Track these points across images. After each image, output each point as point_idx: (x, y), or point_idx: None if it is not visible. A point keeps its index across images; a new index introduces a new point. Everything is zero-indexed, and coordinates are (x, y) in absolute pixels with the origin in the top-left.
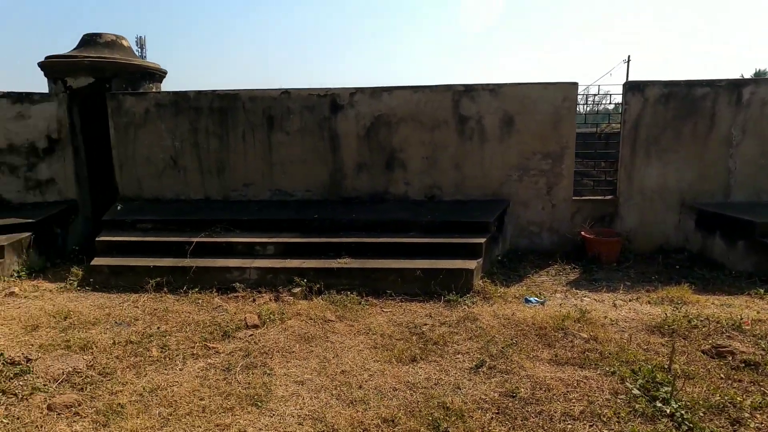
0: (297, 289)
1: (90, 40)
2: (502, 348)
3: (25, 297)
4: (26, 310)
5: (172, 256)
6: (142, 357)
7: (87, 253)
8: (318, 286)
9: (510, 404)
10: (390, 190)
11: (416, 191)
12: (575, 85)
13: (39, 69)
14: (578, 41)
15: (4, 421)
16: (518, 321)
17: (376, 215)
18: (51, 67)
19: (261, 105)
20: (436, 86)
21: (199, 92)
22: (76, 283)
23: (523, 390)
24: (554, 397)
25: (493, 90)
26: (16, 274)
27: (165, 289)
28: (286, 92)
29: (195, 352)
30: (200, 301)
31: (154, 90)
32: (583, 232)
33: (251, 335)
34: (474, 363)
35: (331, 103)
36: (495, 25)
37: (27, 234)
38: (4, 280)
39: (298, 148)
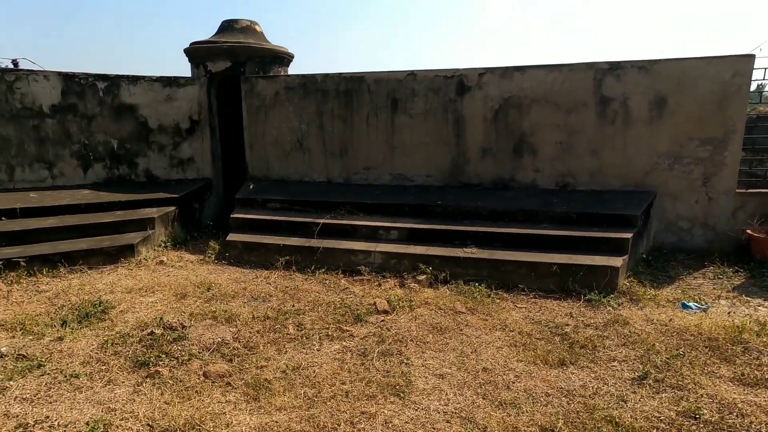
0: (422, 277)
1: (227, 26)
2: (667, 359)
3: (172, 266)
4: (174, 278)
5: (300, 235)
6: (280, 333)
7: (220, 228)
8: (443, 275)
9: (694, 428)
10: (516, 177)
11: (546, 179)
12: (750, 57)
13: (184, 55)
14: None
15: (169, 381)
16: (679, 329)
17: (503, 203)
18: (194, 52)
19: (386, 87)
20: (576, 64)
21: (326, 75)
22: (213, 257)
23: (707, 412)
24: (753, 426)
25: (643, 67)
26: (163, 245)
27: (293, 267)
28: (411, 74)
29: (330, 333)
30: (327, 281)
31: (282, 73)
32: (749, 231)
33: (382, 321)
34: (636, 374)
35: (457, 84)
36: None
37: (172, 208)
38: (154, 249)
39: (421, 132)
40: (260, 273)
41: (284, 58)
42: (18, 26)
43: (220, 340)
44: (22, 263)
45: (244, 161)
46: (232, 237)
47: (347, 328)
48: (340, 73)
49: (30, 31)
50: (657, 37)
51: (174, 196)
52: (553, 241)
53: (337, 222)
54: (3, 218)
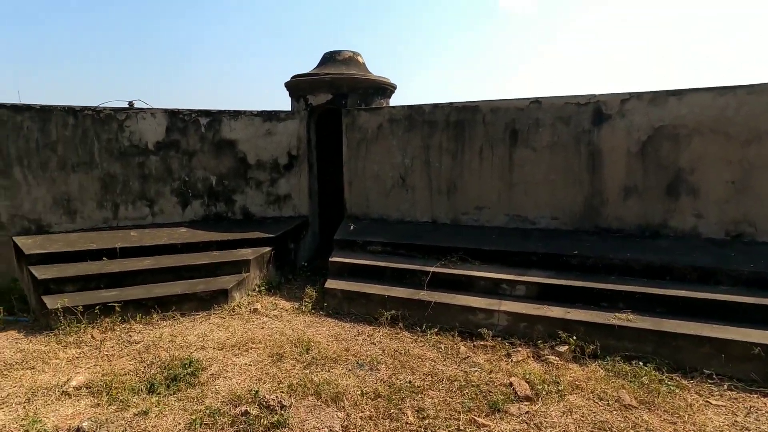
0: (563, 348)
1: (329, 58)
2: None
3: (266, 315)
4: (269, 332)
5: (406, 285)
6: (397, 422)
7: (315, 271)
8: (592, 347)
9: None
10: (669, 223)
11: (712, 226)
12: None
13: (284, 89)
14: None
15: None
16: None
17: (660, 256)
18: (296, 85)
19: (504, 117)
20: (759, 86)
21: (435, 105)
22: (310, 306)
23: None
24: None
25: None
26: (257, 288)
27: (400, 323)
28: (536, 102)
29: (461, 427)
30: (442, 345)
31: (384, 105)
32: None
33: (527, 413)
34: None
35: (593, 112)
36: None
37: (268, 249)
38: (248, 294)
39: (545, 167)
40: (363, 329)
41: (386, 89)
42: (139, 69)
43: (327, 430)
44: (117, 308)
45: (341, 198)
46: (330, 284)
47: (483, 421)
48: (451, 103)
49: (147, 73)
50: (656, 36)
51: (270, 236)
52: (744, 312)
53: (449, 271)
54: (104, 258)
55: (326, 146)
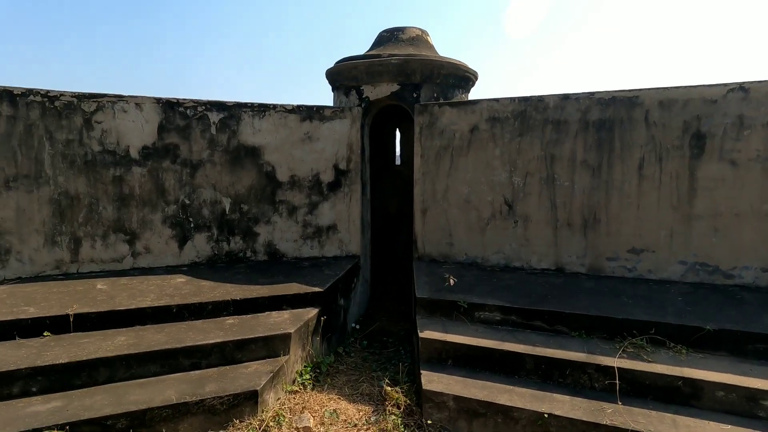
0: None
1: (389, 37)
2: None
3: None
4: None
5: (568, 389)
6: None
7: (372, 337)
8: None
9: None
10: None
11: None
12: None
13: (325, 80)
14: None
15: None
16: None
17: None
18: (345, 72)
19: (682, 114)
20: None
21: (566, 97)
22: (399, 420)
23: None
24: None
25: None
26: (299, 379)
27: None
28: (739, 89)
29: None
30: None
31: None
32: None
33: None
34: None
35: None
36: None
37: (313, 311)
38: (288, 391)
39: (753, 191)
40: None
41: (469, 79)
42: (155, 64)
43: None
44: None
45: (394, 231)
46: (431, 383)
47: None
48: (592, 93)
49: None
50: (657, 39)
51: (314, 290)
52: None
53: (648, 369)
54: (47, 333)
55: (379, 157)
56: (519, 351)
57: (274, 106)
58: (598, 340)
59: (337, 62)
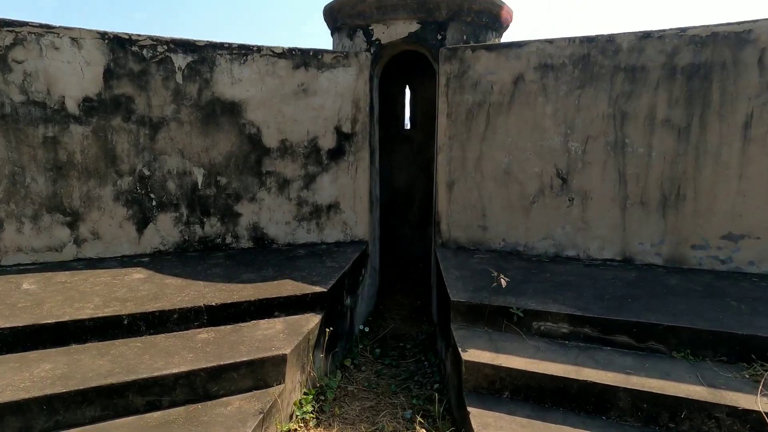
0: None
1: None
2: None
3: None
4: None
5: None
6: None
7: (384, 343)
8: None
9: None
10: None
11: None
12: None
13: (322, 18)
14: None
15: None
16: None
17: None
18: (350, 7)
19: None
20: None
21: (646, 36)
22: None
23: None
24: None
25: None
26: (298, 412)
27: None
28: None
29: None
30: None
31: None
32: None
33: None
34: None
35: None
36: None
37: (315, 319)
38: (284, 431)
39: None
40: None
41: (503, 21)
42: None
43: None
44: None
45: (409, 208)
46: (487, 431)
47: None
48: (682, 30)
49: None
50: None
51: (318, 290)
52: None
53: None
54: None
55: (391, 116)
56: (608, 383)
57: (259, 49)
58: (714, 365)
59: None
